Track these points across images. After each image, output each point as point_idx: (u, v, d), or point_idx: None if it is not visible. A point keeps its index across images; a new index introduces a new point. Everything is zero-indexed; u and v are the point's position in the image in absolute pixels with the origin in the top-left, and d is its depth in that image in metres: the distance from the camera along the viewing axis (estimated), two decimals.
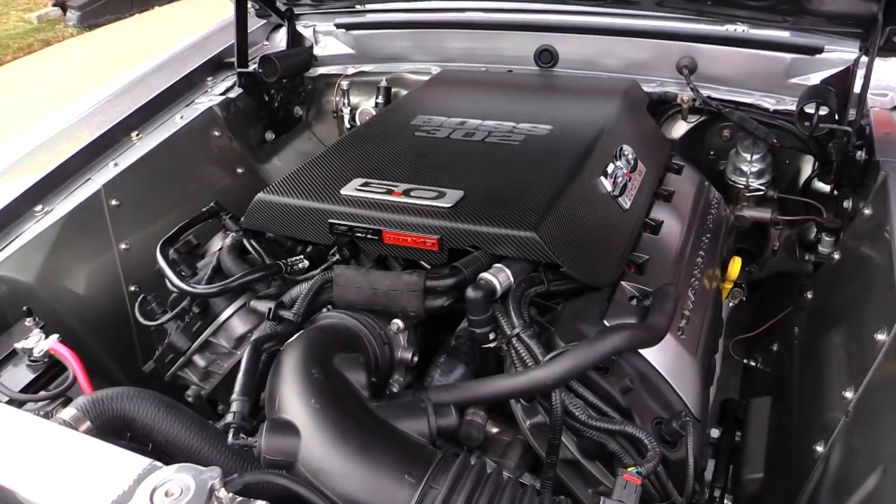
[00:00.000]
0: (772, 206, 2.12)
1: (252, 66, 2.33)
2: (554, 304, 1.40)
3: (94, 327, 1.86)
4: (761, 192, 2.08)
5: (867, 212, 1.60)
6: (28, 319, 1.62)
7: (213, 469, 0.99)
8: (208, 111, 2.22)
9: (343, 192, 1.49)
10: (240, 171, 2.35)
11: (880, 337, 1.25)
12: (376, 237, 1.43)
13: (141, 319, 1.63)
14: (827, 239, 1.98)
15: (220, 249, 1.59)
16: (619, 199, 1.59)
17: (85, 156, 1.95)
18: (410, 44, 2.51)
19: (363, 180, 1.53)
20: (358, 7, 2.50)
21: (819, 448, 1.33)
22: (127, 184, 1.96)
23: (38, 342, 1.53)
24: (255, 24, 2.62)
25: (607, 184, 1.59)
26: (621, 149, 1.72)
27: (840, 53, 1.98)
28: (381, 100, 2.49)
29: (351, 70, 2.57)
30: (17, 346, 1.54)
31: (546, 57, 2.29)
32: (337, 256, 1.49)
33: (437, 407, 1.16)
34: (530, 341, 1.25)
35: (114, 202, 1.92)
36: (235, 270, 1.50)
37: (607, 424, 1.21)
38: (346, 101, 2.55)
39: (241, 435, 1.09)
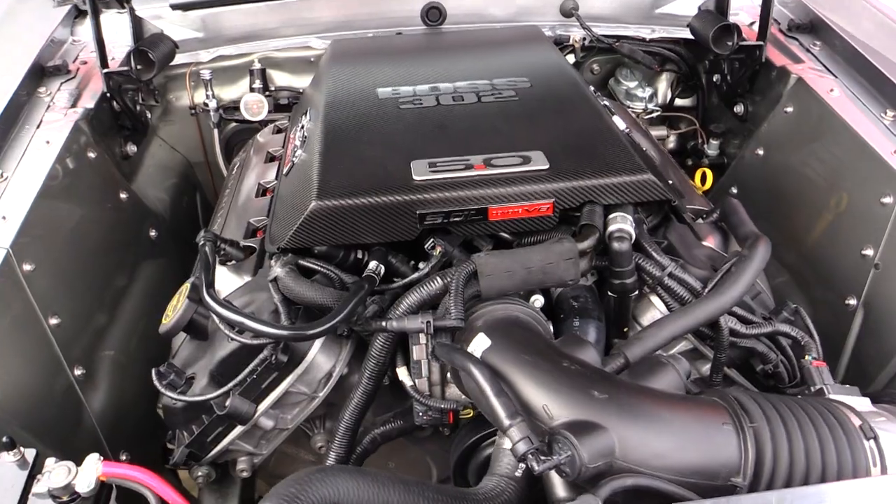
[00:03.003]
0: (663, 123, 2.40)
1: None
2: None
3: (46, 429, 1.40)
4: (657, 112, 2.34)
5: (789, 109, 1.92)
6: (13, 453, 1.16)
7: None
8: (75, 129, 1.73)
9: (418, 178, 1.33)
10: (123, 196, 1.89)
11: (887, 200, 1.55)
12: (480, 216, 1.31)
13: (176, 398, 1.27)
14: (714, 142, 2.33)
15: (272, 281, 1.29)
16: (630, 134, 1.68)
17: None
18: (274, 18, 2.22)
19: (426, 161, 1.37)
20: None
21: (852, 301, 1.62)
22: (31, 241, 1.46)
23: (71, 475, 1.10)
24: (51, 18, 2.08)
25: (618, 122, 1.66)
26: (594, 91, 1.79)
27: None
28: (258, 84, 2.19)
29: (205, 56, 2.19)
30: (41, 488, 1.10)
31: (434, 14, 2.22)
32: (439, 250, 1.32)
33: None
34: (684, 275, 1.30)
35: (27, 267, 1.42)
36: (322, 299, 1.25)
37: (763, 329, 1.33)
38: (210, 92, 2.17)
39: (541, 457, 0.96)
